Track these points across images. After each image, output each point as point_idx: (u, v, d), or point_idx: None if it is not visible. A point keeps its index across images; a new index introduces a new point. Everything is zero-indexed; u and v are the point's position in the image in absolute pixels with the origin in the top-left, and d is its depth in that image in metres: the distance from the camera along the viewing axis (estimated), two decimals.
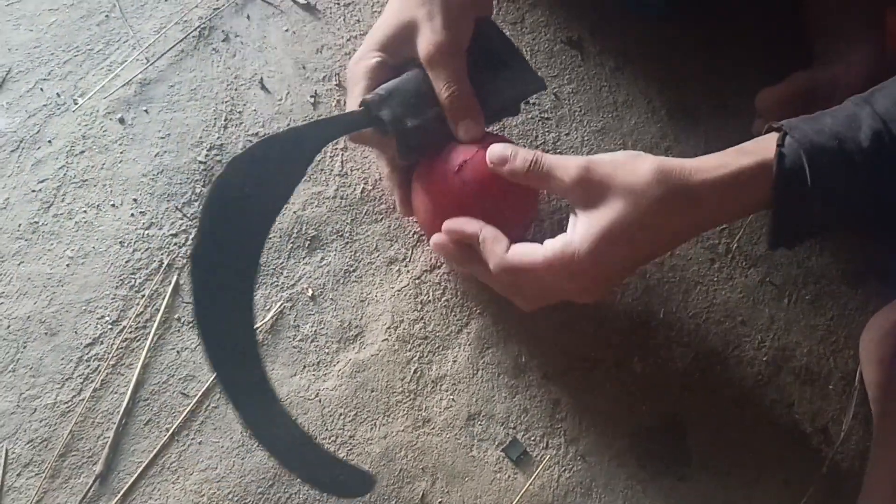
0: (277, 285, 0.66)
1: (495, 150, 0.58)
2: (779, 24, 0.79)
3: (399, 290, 0.67)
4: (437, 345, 0.66)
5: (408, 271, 0.68)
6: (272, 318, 0.65)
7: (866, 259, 0.72)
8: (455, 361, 0.65)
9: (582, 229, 0.53)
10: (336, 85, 0.73)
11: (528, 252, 0.55)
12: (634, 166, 0.53)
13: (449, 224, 0.59)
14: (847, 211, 0.52)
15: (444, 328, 0.66)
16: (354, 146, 0.71)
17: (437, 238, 0.60)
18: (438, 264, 0.68)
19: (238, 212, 0.53)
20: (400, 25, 0.60)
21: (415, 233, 0.69)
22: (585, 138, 0.74)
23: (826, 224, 0.54)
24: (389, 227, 0.69)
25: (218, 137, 0.70)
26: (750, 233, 0.72)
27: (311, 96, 0.73)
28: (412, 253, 0.68)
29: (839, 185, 0.50)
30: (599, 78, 0.77)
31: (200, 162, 0.69)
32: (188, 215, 0.67)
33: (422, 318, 0.66)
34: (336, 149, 0.71)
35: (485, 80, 0.61)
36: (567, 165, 0.54)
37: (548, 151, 0.72)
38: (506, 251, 0.56)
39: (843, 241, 0.73)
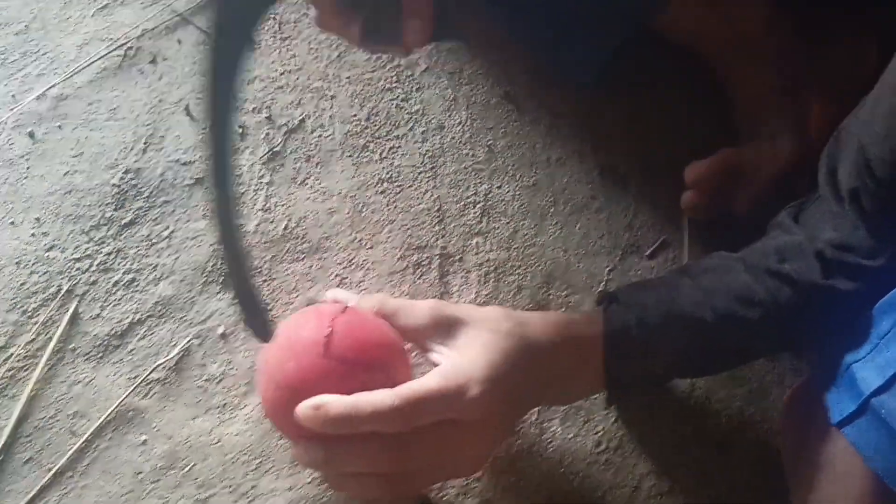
0: (186, 320, 0.62)
1: (335, 295, 0.57)
2: (706, 97, 0.81)
3: None
4: None
5: None
6: (178, 354, 0.60)
7: None
8: None
9: (457, 355, 0.52)
10: (266, 118, 0.71)
11: (417, 383, 0.50)
12: (480, 308, 0.56)
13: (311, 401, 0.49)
14: (674, 368, 0.59)
15: None
16: (280, 181, 0.68)
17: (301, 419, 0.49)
18: None
19: None
20: None
21: (336, 275, 0.66)
22: (517, 192, 0.73)
23: (657, 378, 0.62)
24: (311, 266, 0.66)
25: (135, 161, 0.67)
26: None
27: (240, 126, 0.70)
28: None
29: (664, 347, 0.56)
30: (534, 134, 0.77)
31: (114, 185, 0.65)
32: (95, 240, 0.63)
33: None
34: (261, 182, 0.68)
35: None
36: (415, 304, 0.55)
37: (478, 204, 0.71)
38: (393, 392, 0.49)
39: None
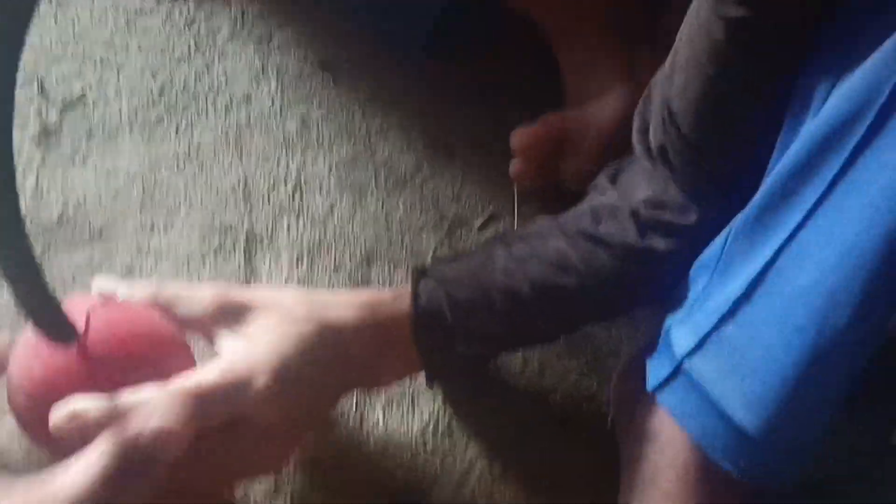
0: None
1: (100, 286, 0.48)
2: (536, 66, 0.78)
3: None
4: None
5: None
6: None
7: None
8: None
9: (243, 344, 0.46)
10: (38, 91, 0.63)
11: (190, 378, 0.44)
12: (273, 290, 0.50)
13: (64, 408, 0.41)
14: (494, 343, 0.55)
15: None
16: (54, 162, 0.60)
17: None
18: None
19: None
20: None
21: (124, 264, 0.59)
22: (334, 166, 0.68)
23: (478, 355, 0.55)
24: (93, 256, 0.58)
25: None
26: None
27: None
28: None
29: (480, 321, 0.51)
30: (353, 104, 0.72)
31: None
32: None
33: None
34: (31, 163, 0.60)
35: None
36: (196, 291, 0.48)
37: (290, 180, 0.66)
38: (161, 390, 0.42)
39: None
